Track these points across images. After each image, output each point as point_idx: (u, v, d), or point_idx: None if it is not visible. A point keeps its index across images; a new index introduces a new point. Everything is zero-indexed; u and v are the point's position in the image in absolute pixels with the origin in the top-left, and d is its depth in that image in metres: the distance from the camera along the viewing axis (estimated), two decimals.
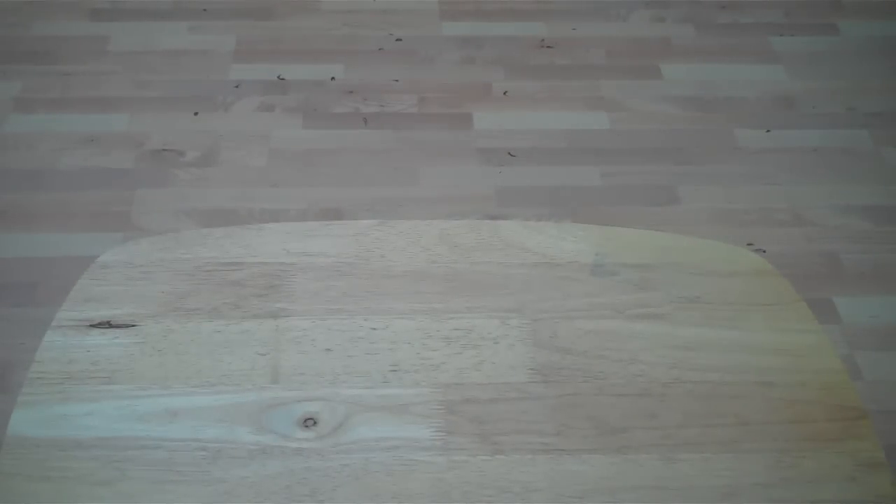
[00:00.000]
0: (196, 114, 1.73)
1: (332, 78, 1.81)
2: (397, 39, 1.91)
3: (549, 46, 1.90)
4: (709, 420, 0.68)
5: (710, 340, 0.74)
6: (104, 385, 0.69)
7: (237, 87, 1.79)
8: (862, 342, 1.38)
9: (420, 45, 1.90)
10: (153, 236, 0.82)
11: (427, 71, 1.84)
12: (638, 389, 0.70)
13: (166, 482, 0.64)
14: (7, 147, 1.65)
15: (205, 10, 1.97)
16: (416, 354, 0.72)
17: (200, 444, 0.66)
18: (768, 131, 1.72)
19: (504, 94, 1.79)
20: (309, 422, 0.68)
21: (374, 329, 0.74)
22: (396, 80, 1.81)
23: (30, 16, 1.94)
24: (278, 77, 1.81)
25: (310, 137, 1.69)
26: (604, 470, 0.65)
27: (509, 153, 1.66)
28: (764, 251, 1.48)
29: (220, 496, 0.63)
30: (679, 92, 1.80)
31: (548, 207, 1.56)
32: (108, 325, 0.73)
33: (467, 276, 0.78)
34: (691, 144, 1.69)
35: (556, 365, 0.72)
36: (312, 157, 1.64)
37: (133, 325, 0.73)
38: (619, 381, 0.71)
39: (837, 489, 0.65)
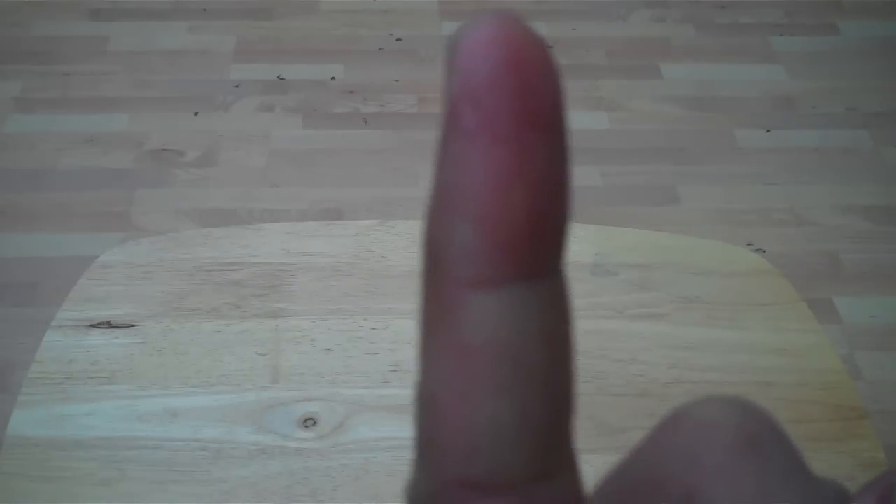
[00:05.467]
0: (196, 114, 1.73)
1: (332, 78, 1.82)
2: (397, 39, 1.91)
3: (549, 46, 1.90)
4: None
5: (710, 340, 0.74)
6: (104, 385, 0.69)
7: (237, 87, 1.79)
8: (862, 342, 1.38)
9: (420, 45, 1.90)
10: (153, 236, 0.82)
11: (427, 71, 1.84)
12: (638, 389, 0.70)
13: (166, 482, 0.64)
14: (7, 147, 1.65)
15: (205, 10, 1.97)
16: (416, 354, 0.72)
17: (200, 444, 0.66)
18: (768, 131, 1.72)
19: None
20: (309, 422, 0.68)
21: (374, 329, 0.74)
22: (396, 80, 1.81)
23: (30, 16, 1.94)
24: (278, 77, 1.81)
25: (310, 137, 1.69)
26: (604, 470, 0.65)
27: None
28: (764, 251, 1.48)
29: (220, 496, 0.63)
30: (679, 92, 1.80)
31: None
32: (108, 325, 0.73)
33: None
34: (691, 144, 1.69)
35: None
36: (312, 157, 1.65)
37: (133, 325, 0.73)
38: (619, 381, 0.71)
39: None
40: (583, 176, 1.62)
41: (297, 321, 0.74)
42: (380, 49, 1.89)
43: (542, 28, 1.95)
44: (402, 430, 0.67)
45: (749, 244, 1.50)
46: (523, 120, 0.13)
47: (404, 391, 0.70)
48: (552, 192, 0.13)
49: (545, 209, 0.13)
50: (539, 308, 0.13)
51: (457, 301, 0.13)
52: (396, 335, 0.73)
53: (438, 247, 0.13)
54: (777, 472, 0.14)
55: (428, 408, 0.14)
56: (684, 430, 0.15)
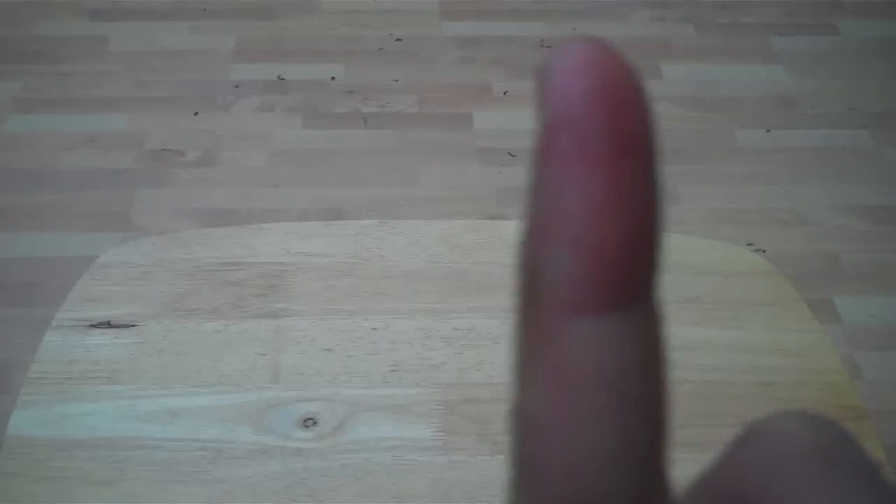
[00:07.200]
0: (196, 114, 1.73)
1: (332, 78, 1.82)
2: (397, 39, 1.91)
3: (549, 46, 1.90)
4: (709, 420, 0.68)
5: (710, 340, 0.74)
6: (104, 385, 0.69)
7: (237, 87, 1.79)
8: (862, 342, 1.38)
9: (420, 45, 1.90)
10: (153, 236, 0.82)
11: (427, 71, 1.84)
12: None
13: (166, 482, 0.64)
14: (7, 147, 1.65)
15: (205, 10, 1.97)
16: (416, 354, 0.72)
17: (200, 444, 0.66)
18: (768, 131, 1.73)
19: (504, 94, 1.79)
20: (309, 422, 0.68)
21: (374, 329, 0.74)
22: (396, 80, 1.81)
23: (30, 16, 1.94)
24: (278, 77, 1.81)
25: (310, 137, 1.69)
26: None
27: (509, 153, 1.66)
28: (764, 251, 1.48)
29: (220, 496, 0.63)
30: (679, 92, 1.80)
31: None
32: (108, 325, 0.73)
33: (467, 276, 0.78)
34: (691, 144, 1.69)
35: None
36: (312, 157, 1.65)
37: (133, 325, 0.73)
38: None
39: None
40: None
41: (297, 321, 0.74)
42: (380, 49, 1.89)
43: (542, 28, 1.95)
44: (401, 430, 0.67)
45: (749, 244, 1.50)
46: (619, 144, 0.13)
47: (404, 391, 0.70)
48: (648, 217, 0.13)
49: (642, 234, 0.13)
50: (637, 334, 0.14)
51: (556, 326, 0.13)
52: (396, 335, 0.73)
53: (536, 272, 0.13)
54: (853, 484, 0.15)
55: (530, 430, 0.14)
56: (760, 444, 0.15)
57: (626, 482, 0.14)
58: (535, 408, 0.14)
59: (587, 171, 0.13)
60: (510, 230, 0.83)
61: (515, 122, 1.73)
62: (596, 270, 0.13)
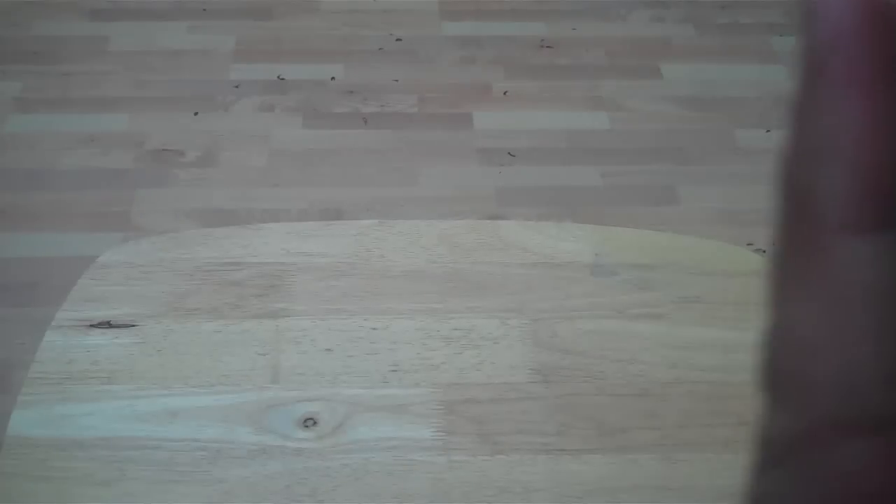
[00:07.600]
0: (196, 114, 1.73)
1: (332, 78, 1.82)
2: (397, 39, 1.91)
3: (549, 46, 1.91)
4: (709, 420, 0.68)
5: (710, 340, 0.74)
6: (104, 385, 0.69)
7: (237, 87, 1.79)
8: None
9: (420, 45, 1.90)
10: (153, 236, 0.82)
11: (427, 71, 1.84)
12: (638, 389, 0.70)
13: (166, 482, 0.64)
14: (7, 147, 1.65)
15: (205, 10, 1.97)
16: (416, 354, 0.72)
17: (200, 444, 0.66)
18: (768, 131, 1.73)
19: (504, 94, 1.79)
20: (309, 422, 0.68)
21: (374, 329, 0.74)
22: (396, 80, 1.81)
23: (30, 16, 1.94)
24: (278, 77, 1.81)
25: (310, 137, 1.69)
26: (604, 470, 0.65)
27: (509, 153, 1.66)
28: (764, 251, 1.48)
29: (220, 496, 0.63)
30: (679, 92, 1.80)
31: (548, 207, 1.57)
32: (108, 325, 0.73)
33: (467, 276, 0.78)
34: (691, 144, 1.69)
35: (557, 365, 0.72)
36: (312, 157, 1.65)
37: (133, 325, 0.73)
38: (619, 381, 0.71)
39: None
40: (583, 176, 1.62)
41: (297, 321, 0.74)
42: (380, 49, 1.89)
43: (543, 28, 1.95)
44: (401, 430, 0.67)
45: (749, 244, 1.50)
46: (891, 68, 0.13)
47: (404, 391, 0.70)
48: None
49: None
50: None
51: (829, 245, 0.14)
52: (396, 335, 0.73)
53: (807, 191, 0.14)
54: None
55: (796, 347, 0.14)
56: None
57: (892, 399, 0.14)
58: (803, 325, 0.14)
59: (863, 93, 0.13)
60: (510, 230, 0.83)
61: (515, 122, 1.73)
62: (871, 190, 0.13)
